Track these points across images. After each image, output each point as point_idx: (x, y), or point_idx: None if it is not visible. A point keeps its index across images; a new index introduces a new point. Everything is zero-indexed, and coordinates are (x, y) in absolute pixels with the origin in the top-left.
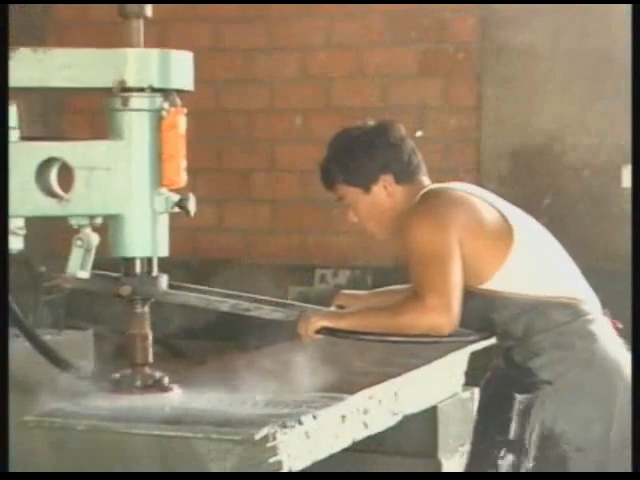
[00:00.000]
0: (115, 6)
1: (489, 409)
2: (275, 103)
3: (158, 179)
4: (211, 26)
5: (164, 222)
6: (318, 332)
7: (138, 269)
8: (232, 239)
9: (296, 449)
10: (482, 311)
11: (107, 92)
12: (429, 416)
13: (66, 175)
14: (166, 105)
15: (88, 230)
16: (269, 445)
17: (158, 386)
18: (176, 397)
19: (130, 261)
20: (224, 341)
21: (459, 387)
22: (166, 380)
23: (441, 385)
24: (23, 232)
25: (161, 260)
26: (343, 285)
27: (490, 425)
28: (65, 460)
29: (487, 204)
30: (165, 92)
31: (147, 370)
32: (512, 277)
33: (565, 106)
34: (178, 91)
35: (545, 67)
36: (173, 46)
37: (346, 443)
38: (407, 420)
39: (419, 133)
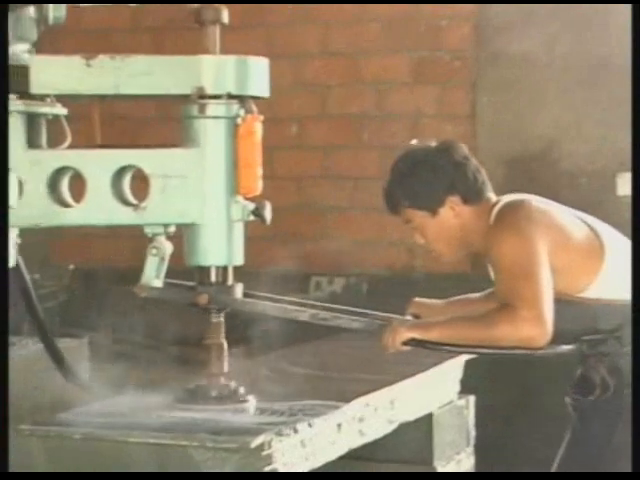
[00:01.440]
0: (106, 13)
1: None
2: (271, 111)
3: (234, 187)
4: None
5: (239, 230)
6: (405, 343)
7: (213, 278)
8: None
9: (292, 457)
10: (583, 319)
11: (182, 99)
12: (425, 424)
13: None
14: (242, 112)
15: (162, 238)
16: (265, 453)
17: (234, 397)
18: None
19: (205, 270)
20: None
21: (455, 395)
22: (242, 390)
23: (437, 393)
24: (18, 241)
25: None
26: (338, 293)
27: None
28: (61, 469)
29: (563, 211)
30: (241, 99)
31: (223, 380)
32: (610, 284)
33: (561, 113)
34: (253, 97)
35: (541, 74)
36: (169, 54)
37: (342, 451)
38: (403, 428)
39: (414, 141)
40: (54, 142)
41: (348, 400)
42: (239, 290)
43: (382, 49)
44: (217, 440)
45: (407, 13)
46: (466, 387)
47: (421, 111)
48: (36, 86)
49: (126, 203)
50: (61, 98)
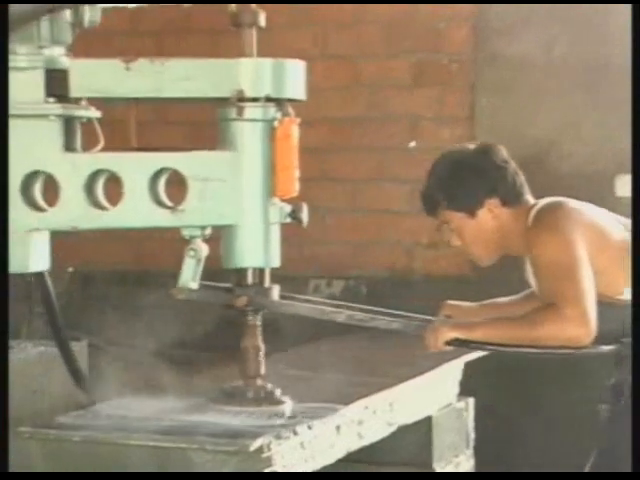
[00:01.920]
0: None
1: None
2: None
3: (271, 189)
4: (205, 37)
5: (276, 232)
6: (448, 343)
7: (250, 280)
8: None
9: (291, 460)
10: (623, 321)
11: (219, 102)
12: (424, 426)
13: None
14: (279, 115)
15: (199, 241)
16: (264, 456)
17: (270, 398)
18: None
19: (242, 272)
20: (218, 351)
21: (454, 397)
22: (278, 392)
23: (436, 395)
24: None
25: (154, 270)
26: (337, 295)
27: None
28: (60, 471)
29: (599, 213)
30: (277, 102)
31: (259, 382)
32: None
33: (559, 115)
34: (290, 100)
35: (539, 76)
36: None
37: (341, 453)
38: (402, 430)
39: (413, 143)
40: (86, 145)
41: (347, 403)
42: (276, 292)
43: (381, 51)
44: (216, 443)
45: (406, 15)
46: (465, 389)
47: (420, 113)
48: (75, 89)
49: (163, 206)
50: (94, 101)
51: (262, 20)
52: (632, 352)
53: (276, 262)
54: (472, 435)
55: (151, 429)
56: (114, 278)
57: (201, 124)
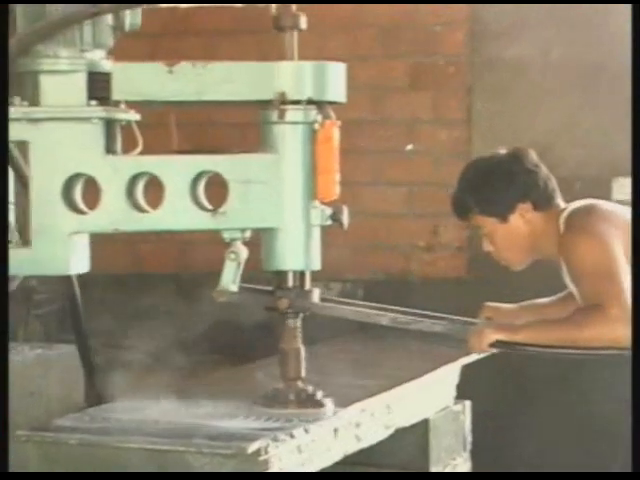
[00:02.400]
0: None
1: None
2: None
3: (312, 192)
4: (203, 40)
5: (317, 235)
6: (492, 345)
7: (291, 282)
8: (223, 252)
9: (288, 463)
10: None
11: (260, 105)
12: (421, 429)
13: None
14: (319, 117)
15: (240, 243)
16: (261, 459)
17: (312, 400)
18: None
19: (283, 274)
20: (215, 354)
21: (451, 400)
22: (319, 394)
23: (433, 398)
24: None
25: (153, 274)
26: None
27: None
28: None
29: (630, 213)
30: (318, 104)
31: (300, 384)
32: None
33: (556, 118)
34: (330, 103)
35: (535, 80)
36: (164, 60)
37: (338, 456)
38: (399, 433)
39: (410, 147)
40: (125, 148)
41: (345, 405)
42: (317, 295)
43: (377, 55)
44: (214, 446)
45: (402, 18)
46: (462, 392)
47: (416, 116)
48: (118, 92)
49: (203, 208)
50: (135, 104)
51: (303, 23)
52: (632, 352)
53: (317, 265)
54: (469, 438)
55: (148, 432)
56: (111, 281)
57: (244, 126)
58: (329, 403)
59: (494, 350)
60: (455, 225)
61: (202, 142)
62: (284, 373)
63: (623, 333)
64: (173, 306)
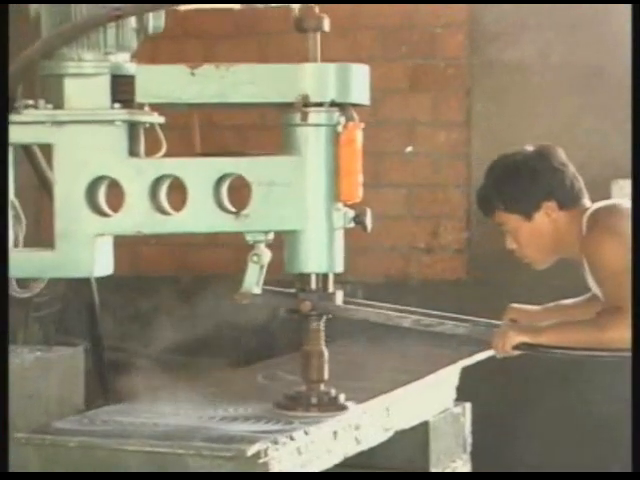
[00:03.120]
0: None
1: None
2: (266, 119)
3: (335, 194)
4: (202, 42)
5: (340, 237)
6: (516, 347)
7: (314, 285)
8: (223, 254)
9: (288, 465)
10: None
11: (283, 107)
12: (421, 431)
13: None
14: (342, 120)
15: (263, 246)
16: (261, 461)
17: (334, 404)
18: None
19: (306, 277)
20: (213, 357)
21: (451, 402)
22: (342, 397)
23: (433, 400)
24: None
25: (152, 276)
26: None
27: None
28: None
29: None
30: (341, 106)
31: (322, 387)
32: None
33: (555, 121)
34: (354, 105)
35: (535, 82)
36: (164, 63)
37: (338, 459)
38: (399, 435)
39: (409, 148)
40: (148, 151)
41: (344, 407)
42: (340, 297)
43: (377, 57)
44: (213, 448)
45: (402, 21)
46: (462, 394)
47: (416, 118)
48: (141, 95)
49: (226, 211)
50: (157, 106)
51: (326, 25)
52: (632, 352)
53: (340, 267)
54: (469, 440)
55: (148, 434)
56: (110, 283)
57: (244, 128)
58: (352, 406)
59: (518, 352)
60: (454, 227)
61: (211, 144)
62: (306, 375)
63: None
64: (173, 309)
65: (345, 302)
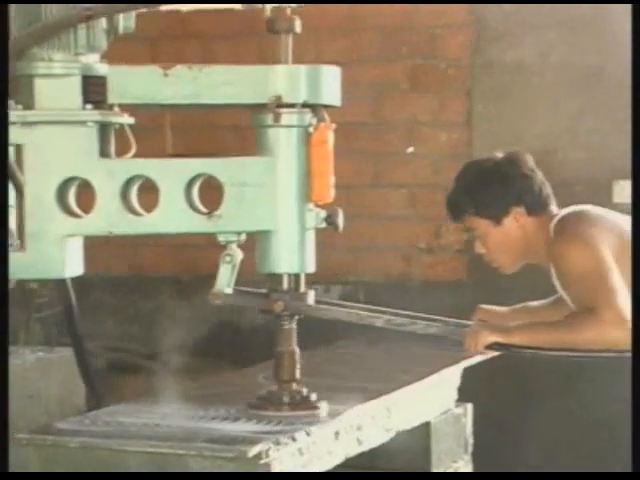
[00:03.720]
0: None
1: None
2: None
3: (306, 195)
4: (202, 43)
5: (311, 238)
6: (488, 347)
7: (286, 285)
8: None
9: (289, 466)
10: None
11: (256, 108)
12: (422, 432)
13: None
14: (314, 121)
15: (235, 246)
16: (262, 462)
17: (306, 403)
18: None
19: (277, 277)
20: (214, 358)
21: (452, 403)
22: (314, 397)
23: (434, 401)
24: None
25: (151, 276)
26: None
27: None
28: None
29: (620, 218)
30: (313, 107)
31: (294, 387)
32: None
33: (556, 121)
34: (325, 106)
35: (536, 83)
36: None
37: (339, 459)
38: (400, 436)
39: (410, 149)
40: (118, 151)
41: (345, 408)
42: (311, 297)
43: (378, 57)
44: (214, 449)
45: (403, 21)
46: (464, 395)
47: (417, 119)
48: (115, 96)
49: (198, 211)
50: (129, 107)
51: (298, 26)
52: (632, 352)
53: (311, 267)
54: (470, 441)
55: (149, 435)
56: (109, 284)
57: (245, 128)
58: (324, 405)
59: (490, 352)
60: (456, 228)
61: (202, 145)
62: (279, 375)
63: (617, 335)
64: (173, 309)
65: (317, 302)
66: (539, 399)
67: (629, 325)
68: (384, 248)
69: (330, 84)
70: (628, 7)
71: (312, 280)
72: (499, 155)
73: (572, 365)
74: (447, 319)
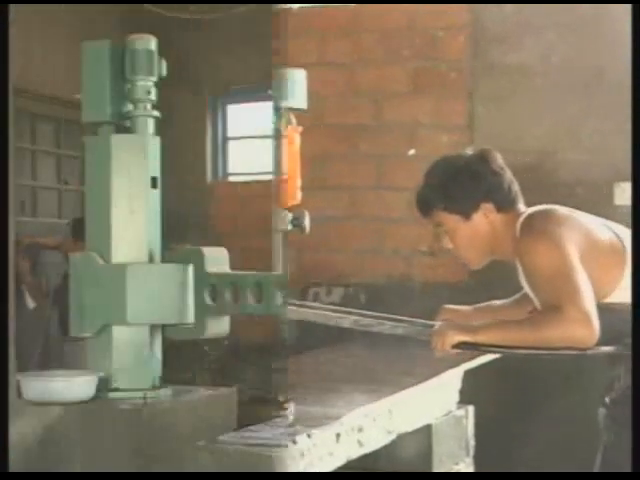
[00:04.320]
0: None
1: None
2: None
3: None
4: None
5: (278, 240)
6: (455, 346)
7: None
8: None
9: (291, 468)
10: (609, 324)
11: None
12: (423, 434)
13: None
14: (281, 123)
15: None
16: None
17: (274, 403)
18: None
19: None
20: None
21: (454, 405)
22: (280, 398)
23: (436, 403)
24: None
25: None
26: (336, 303)
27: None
28: None
29: (587, 217)
30: (278, 111)
31: None
32: (630, 288)
33: (557, 123)
34: (292, 109)
35: (536, 84)
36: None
37: (341, 461)
38: (402, 438)
39: (412, 151)
40: None
41: (347, 410)
42: (279, 298)
43: (379, 60)
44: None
45: (404, 24)
46: (465, 397)
47: (418, 121)
48: None
49: None
50: None
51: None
52: (632, 352)
53: (279, 268)
54: (472, 443)
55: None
56: None
57: None
58: (291, 405)
59: (457, 351)
60: None
61: None
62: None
63: (582, 333)
64: None
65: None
66: (540, 401)
67: (594, 323)
68: (385, 250)
69: (297, 87)
70: (628, 7)
71: (314, 282)
72: (469, 152)
73: (572, 366)
74: (414, 319)
